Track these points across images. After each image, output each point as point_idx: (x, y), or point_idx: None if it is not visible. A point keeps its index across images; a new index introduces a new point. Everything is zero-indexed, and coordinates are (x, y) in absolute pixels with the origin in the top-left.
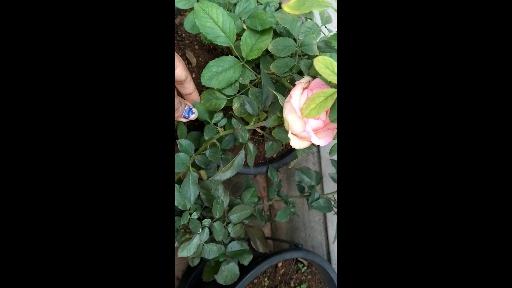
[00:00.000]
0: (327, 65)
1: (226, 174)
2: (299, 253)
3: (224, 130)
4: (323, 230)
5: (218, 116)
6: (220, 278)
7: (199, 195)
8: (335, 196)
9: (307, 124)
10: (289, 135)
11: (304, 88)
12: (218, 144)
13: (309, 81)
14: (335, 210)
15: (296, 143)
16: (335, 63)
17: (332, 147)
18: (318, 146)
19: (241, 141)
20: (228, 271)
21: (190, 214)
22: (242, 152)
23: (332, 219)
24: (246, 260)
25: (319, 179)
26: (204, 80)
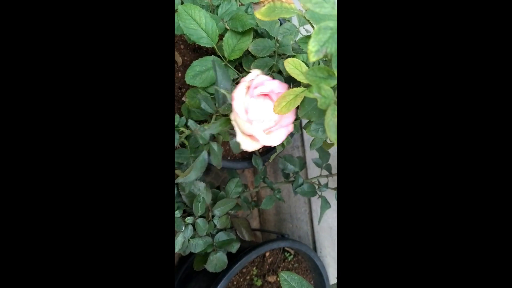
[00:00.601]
0: (296, 66)
1: (190, 176)
2: (285, 242)
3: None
4: (308, 221)
5: (177, 119)
6: (210, 267)
7: (179, 194)
8: (319, 180)
9: (255, 126)
10: (238, 138)
11: (248, 87)
12: (186, 142)
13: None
14: (319, 194)
15: (247, 145)
16: (303, 64)
17: (312, 141)
18: (302, 133)
19: (201, 142)
20: (217, 260)
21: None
22: (204, 153)
23: (317, 209)
24: (234, 248)
25: (303, 164)
26: (188, 79)
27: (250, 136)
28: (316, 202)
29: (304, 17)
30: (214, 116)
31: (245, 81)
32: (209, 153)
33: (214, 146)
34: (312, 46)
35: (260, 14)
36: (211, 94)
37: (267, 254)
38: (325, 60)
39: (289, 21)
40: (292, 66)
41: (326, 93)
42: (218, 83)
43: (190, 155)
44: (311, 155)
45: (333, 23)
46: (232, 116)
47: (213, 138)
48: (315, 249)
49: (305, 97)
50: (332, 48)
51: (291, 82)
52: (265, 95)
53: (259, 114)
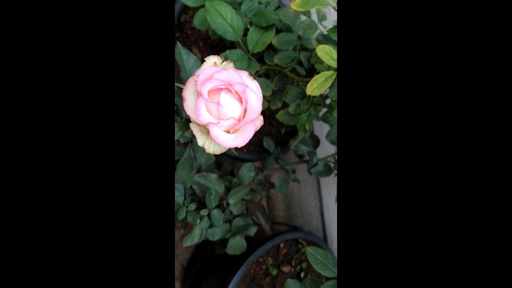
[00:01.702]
0: (326, 52)
1: (180, 175)
2: (299, 234)
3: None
4: (319, 215)
5: None
6: (230, 251)
7: (191, 187)
8: (335, 158)
9: (214, 128)
10: (200, 142)
11: (197, 81)
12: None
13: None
14: (335, 172)
15: (212, 149)
16: (334, 50)
17: (329, 131)
18: None
19: (181, 140)
20: (236, 244)
21: (187, 207)
22: (188, 150)
23: (328, 203)
24: (252, 231)
25: (316, 142)
26: None
27: (212, 137)
28: (326, 196)
29: (334, 8)
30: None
31: (194, 76)
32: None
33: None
34: None
35: (294, 5)
36: None
37: (281, 245)
38: None
39: (309, 17)
40: (323, 52)
41: None
42: (187, 72)
43: (183, 151)
44: (323, 132)
45: None
46: (190, 118)
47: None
48: (326, 242)
49: (335, 79)
50: None
51: (313, 72)
52: (221, 89)
53: (215, 114)
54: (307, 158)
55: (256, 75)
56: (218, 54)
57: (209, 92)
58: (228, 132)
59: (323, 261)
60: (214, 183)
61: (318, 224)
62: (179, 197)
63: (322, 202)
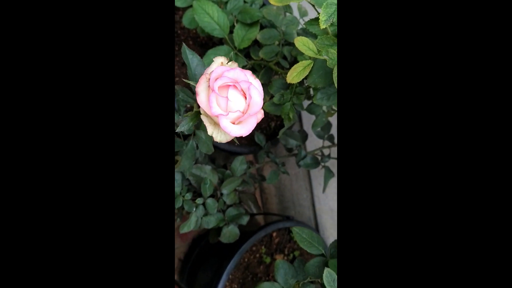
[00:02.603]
0: (304, 43)
1: (183, 165)
2: (291, 223)
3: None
4: (310, 206)
5: None
6: (224, 239)
7: (187, 178)
8: (322, 151)
9: (223, 119)
10: (209, 131)
11: (209, 79)
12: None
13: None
14: (322, 164)
15: (219, 138)
16: (310, 42)
17: (314, 121)
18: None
19: (186, 132)
20: (229, 233)
21: (183, 197)
22: (192, 142)
23: (318, 194)
24: (244, 220)
25: (305, 137)
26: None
27: (221, 127)
28: (317, 188)
29: (310, 3)
30: (195, 106)
31: (206, 73)
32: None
33: (202, 134)
34: (322, 17)
35: (273, 1)
36: None
37: (274, 235)
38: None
39: (291, 13)
40: (301, 43)
41: (333, 56)
42: (192, 70)
43: (184, 143)
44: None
45: (335, 1)
46: (201, 110)
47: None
48: (317, 231)
49: (312, 68)
50: (335, 18)
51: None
52: (229, 85)
53: (224, 107)
54: (296, 151)
55: None
56: (206, 51)
57: (219, 88)
58: (233, 123)
59: (309, 240)
60: (208, 174)
61: (310, 214)
62: (176, 187)
63: (313, 193)
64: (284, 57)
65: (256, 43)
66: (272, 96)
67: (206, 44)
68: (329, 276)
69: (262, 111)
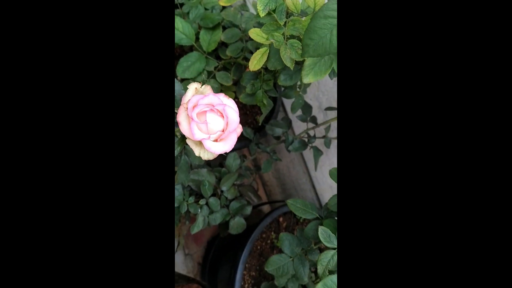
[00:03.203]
0: (257, 33)
1: (180, 178)
2: None
3: None
4: (311, 188)
5: None
6: (232, 231)
7: (188, 185)
8: (308, 133)
9: (206, 142)
10: (196, 152)
11: (187, 108)
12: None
13: (193, 96)
14: (310, 145)
15: (206, 156)
16: (259, 31)
17: (292, 104)
18: (282, 101)
19: (176, 153)
20: (236, 224)
21: (187, 201)
22: (183, 157)
23: (315, 175)
24: (248, 210)
25: (289, 123)
26: (180, 73)
27: (205, 148)
28: (312, 169)
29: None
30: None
31: (183, 103)
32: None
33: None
34: (259, 7)
35: (223, 2)
36: (200, 82)
37: (281, 219)
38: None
39: (247, 11)
40: (254, 33)
41: (278, 38)
42: (175, 97)
43: (176, 158)
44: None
45: None
46: (183, 133)
47: None
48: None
49: (269, 54)
50: (273, 5)
51: None
52: (206, 111)
53: (205, 131)
54: (283, 138)
55: (216, 70)
56: (178, 60)
57: (197, 114)
58: (216, 141)
59: (303, 208)
60: (205, 176)
61: (313, 195)
62: (178, 196)
63: (311, 175)
64: (250, 52)
65: (222, 44)
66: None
67: (180, 55)
68: (324, 233)
69: (241, 126)
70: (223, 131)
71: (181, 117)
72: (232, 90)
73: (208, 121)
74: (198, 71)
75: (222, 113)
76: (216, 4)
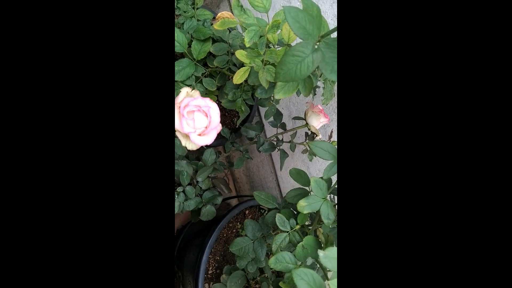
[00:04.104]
0: (242, 54)
1: None
2: None
3: None
4: (276, 187)
5: None
6: (203, 217)
7: None
8: (278, 137)
9: (192, 135)
10: (183, 143)
11: (179, 107)
12: None
13: (184, 99)
14: (278, 148)
15: (190, 146)
16: (245, 53)
17: (266, 112)
18: (258, 108)
19: None
20: (207, 212)
21: None
22: None
23: (281, 175)
24: (219, 200)
25: (262, 127)
26: None
27: (191, 140)
28: (279, 170)
29: (241, 25)
30: None
31: (176, 102)
32: None
33: (177, 141)
34: (246, 38)
35: (216, 26)
36: (188, 85)
37: (247, 212)
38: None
39: (235, 29)
40: (240, 54)
41: (258, 63)
42: None
43: None
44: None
45: (255, 27)
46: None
47: None
48: None
49: (250, 72)
50: (256, 39)
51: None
52: (194, 110)
53: (192, 126)
54: (256, 140)
55: (203, 76)
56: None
57: (187, 112)
58: (200, 135)
59: (265, 199)
60: (184, 167)
61: (277, 193)
62: None
63: (277, 175)
64: (234, 65)
65: (210, 54)
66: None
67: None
68: (280, 219)
69: (220, 124)
70: (206, 127)
71: (174, 113)
72: (215, 94)
73: (195, 119)
74: (187, 75)
75: (206, 114)
76: (207, 17)
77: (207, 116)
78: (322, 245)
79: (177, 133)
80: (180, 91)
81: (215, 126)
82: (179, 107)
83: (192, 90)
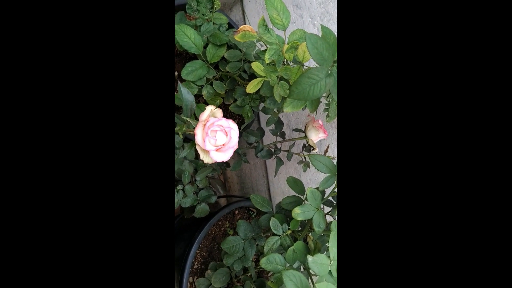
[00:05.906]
0: (258, 66)
1: (184, 180)
2: (250, 203)
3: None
4: (266, 190)
5: None
6: (197, 214)
7: None
8: (276, 145)
9: (212, 153)
10: (201, 157)
11: (204, 125)
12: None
13: (208, 116)
14: (275, 155)
15: (207, 160)
16: (261, 66)
17: (267, 120)
18: (259, 117)
19: (176, 146)
20: (201, 209)
21: None
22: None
23: (272, 179)
24: (213, 199)
25: (262, 133)
26: (184, 75)
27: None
28: (271, 175)
29: (261, 40)
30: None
31: (201, 121)
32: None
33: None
34: (266, 56)
35: (238, 37)
36: (198, 86)
37: (236, 212)
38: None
39: None
40: (256, 66)
41: (274, 78)
42: (184, 100)
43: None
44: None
45: (276, 46)
46: (196, 143)
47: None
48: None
49: (263, 83)
50: (276, 57)
51: (253, 77)
52: (217, 130)
53: (213, 143)
54: (255, 145)
55: (214, 79)
56: (182, 61)
57: (211, 131)
58: (217, 151)
59: (261, 202)
60: (187, 166)
61: (266, 196)
62: None
63: (268, 179)
64: (245, 71)
65: (223, 59)
66: (235, 100)
67: (181, 54)
68: (274, 223)
69: (237, 143)
70: (224, 145)
71: (198, 130)
72: (222, 96)
73: (217, 138)
74: (199, 77)
75: (227, 133)
76: (223, 21)
77: (227, 135)
78: (311, 251)
79: (197, 147)
80: (206, 108)
81: (233, 145)
82: (204, 125)
83: (216, 108)
